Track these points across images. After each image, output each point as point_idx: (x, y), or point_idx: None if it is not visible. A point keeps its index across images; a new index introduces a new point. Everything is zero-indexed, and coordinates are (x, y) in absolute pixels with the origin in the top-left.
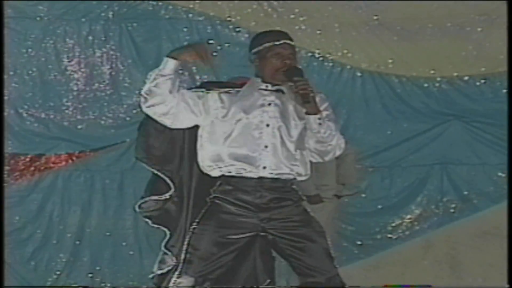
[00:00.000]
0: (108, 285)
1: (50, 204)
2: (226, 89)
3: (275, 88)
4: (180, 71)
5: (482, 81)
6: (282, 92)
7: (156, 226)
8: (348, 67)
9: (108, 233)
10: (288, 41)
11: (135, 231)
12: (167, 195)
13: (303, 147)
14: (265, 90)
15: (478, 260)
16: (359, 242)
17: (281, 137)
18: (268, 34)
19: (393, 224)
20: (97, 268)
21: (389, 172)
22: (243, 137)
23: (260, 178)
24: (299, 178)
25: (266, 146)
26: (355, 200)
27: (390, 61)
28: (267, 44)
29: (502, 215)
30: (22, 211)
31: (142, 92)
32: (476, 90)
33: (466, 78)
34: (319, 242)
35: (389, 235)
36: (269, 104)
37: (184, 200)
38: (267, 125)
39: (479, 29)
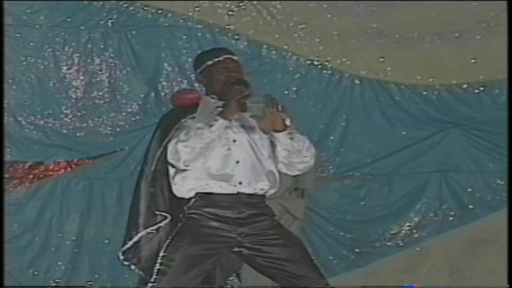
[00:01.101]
0: None
1: (49, 212)
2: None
3: None
4: None
5: (481, 88)
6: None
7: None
8: (347, 74)
9: (107, 241)
10: (229, 56)
11: None
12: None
13: (271, 160)
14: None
15: (477, 267)
16: (357, 250)
17: (251, 151)
18: (209, 52)
19: (392, 232)
20: (96, 275)
21: (388, 180)
22: (213, 155)
23: (238, 194)
24: (270, 191)
25: (237, 162)
26: (354, 208)
27: (389, 68)
28: (209, 62)
29: (501, 222)
30: (21, 218)
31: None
32: (475, 98)
33: (465, 85)
34: (299, 251)
35: (388, 243)
36: (230, 120)
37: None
38: (234, 141)
39: (478, 36)
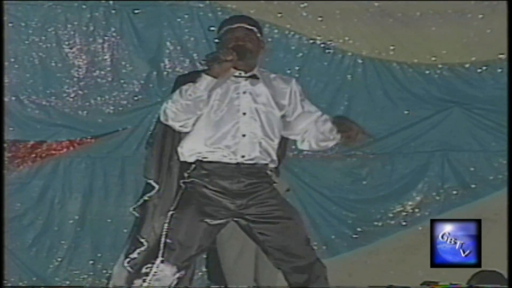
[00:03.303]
0: (110, 272)
1: (51, 191)
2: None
3: (248, 74)
4: None
5: (484, 67)
6: (256, 77)
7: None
8: (349, 53)
9: (109, 220)
10: (243, 25)
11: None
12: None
13: (277, 134)
14: (239, 77)
15: None
16: (360, 229)
17: (258, 126)
18: (226, 20)
19: (394, 211)
20: (98, 254)
21: (390, 159)
22: (221, 126)
23: (238, 164)
24: (271, 165)
25: (243, 135)
26: (356, 187)
27: (392, 48)
28: (224, 28)
29: (503, 201)
30: (23, 198)
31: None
32: (477, 77)
33: (467, 65)
34: (296, 224)
35: (390, 222)
36: (244, 92)
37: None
38: (244, 114)
39: (480, 15)
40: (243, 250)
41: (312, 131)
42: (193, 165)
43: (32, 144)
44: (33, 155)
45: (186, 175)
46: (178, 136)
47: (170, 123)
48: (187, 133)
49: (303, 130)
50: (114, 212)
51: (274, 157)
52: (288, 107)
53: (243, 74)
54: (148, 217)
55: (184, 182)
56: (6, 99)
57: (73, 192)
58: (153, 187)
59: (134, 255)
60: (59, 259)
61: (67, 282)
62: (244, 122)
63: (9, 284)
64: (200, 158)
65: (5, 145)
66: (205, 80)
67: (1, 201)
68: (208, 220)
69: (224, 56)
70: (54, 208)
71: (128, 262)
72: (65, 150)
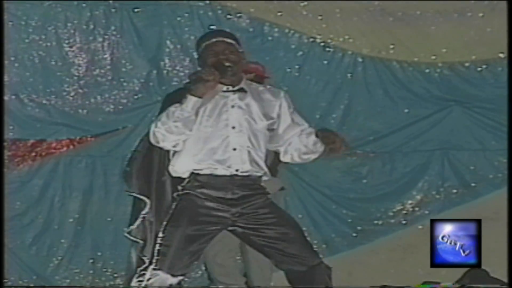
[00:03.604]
0: (110, 270)
1: (51, 190)
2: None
3: (236, 88)
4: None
5: (484, 66)
6: (244, 91)
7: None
8: (350, 52)
9: (109, 219)
10: (221, 38)
11: None
12: (145, 211)
13: (268, 146)
14: (227, 91)
15: None
16: (359, 228)
17: (247, 139)
18: (204, 36)
19: (394, 210)
20: (99, 253)
21: (390, 158)
22: (210, 141)
23: (232, 176)
24: (265, 178)
25: (234, 149)
26: (356, 186)
27: (392, 46)
28: (203, 45)
29: (503, 200)
30: (23, 196)
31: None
32: (478, 76)
33: (467, 63)
34: (293, 230)
35: (390, 221)
36: (233, 107)
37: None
38: (233, 127)
39: (480, 14)
40: (224, 245)
41: (295, 143)
42: (187, 179)
43: (32, 143)
44: (33, 154)
45: (180, 187)
46: (164, 151)
47: (161, 144)
48: (175, 152)
49: (287, 142)
50: (114, 211)
51: (265, 169)
52: (276, 119)
53: (230, 88)
54: (148, 236)
55: (178, 194)
56: (6, 97)
57: (73, 191)
58: (145, 203)
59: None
60: (59, 258)
61: (67, 281)
62: (234, 136)
63: (9, 283)
64: (193, 171)
65: (5, 144)
66: (191, 101)
67: (1, 200)
68: (202, 229)
69: (206, 76)
70: (54, 207)
71: (139, 282)
72: (65, 148)
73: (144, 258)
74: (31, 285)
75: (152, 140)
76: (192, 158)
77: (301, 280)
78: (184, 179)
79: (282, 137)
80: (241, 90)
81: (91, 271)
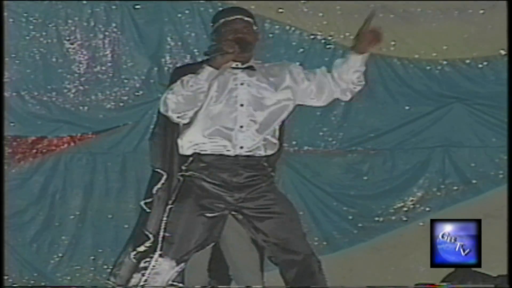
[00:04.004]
0: (111, 267)
1: (52, 187)
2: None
3: (245, 65)
4: None
5: (485, 63)
6: (253, 69)
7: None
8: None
9: (110, 216)
10: (241, 16)
11: (137, 214)
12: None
13: (276, 123)
14: (235, 68)
15: None
16: (360, 225)
17: (256, 116)
18: (222, 11)
19: (395, 207)
20: (100, 250)
21: (390, 155)
22: (219, 117)
23: (236, 156)
24: (270, 150)
25: (241, 126)
26: (357, 183)
27: (392, 43)
28: (220, 21)
29: (504, 197)
30: (24, 193)
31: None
32: (478, 73)
33: (468, 60)
34: (292, 219)
35: (391, 218)
36: (242, 84)
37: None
38: (241, 105)
39: (481, 11)
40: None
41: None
42: (191, 158)
43: (33, 140)
44: (34, 151)
45: (184, 168)
46: (178, 128)
47: (169, 114)
48: (186, 125)
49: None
50: (115, 208)
51: (275, 140)
52: (293, 85)
53: (240, 65)
54: (154, 210)
55: (182, 175)
56: (7, 94)
57: (74, 188)
58: (161, 176)
59: (141, 248)
60: (60, 255)
61: (68, 278)
62: (241, 113)
63: (10, 280)
64: (198, 151)
65: (5, 141)
66: (207, 71)
67: (1, 197)
68: (206, 214)
69: (227, 48)
70: (55, 204)
71: (135, 255)
72: (66, 145)
73: (147, 233)
74: (32, 282)
75: (162, 108)
76: (200, 132)
77: (293, 271)
78: (188, 157)
79: (320, 91)
80: (250, 68)
81: (92, 268)
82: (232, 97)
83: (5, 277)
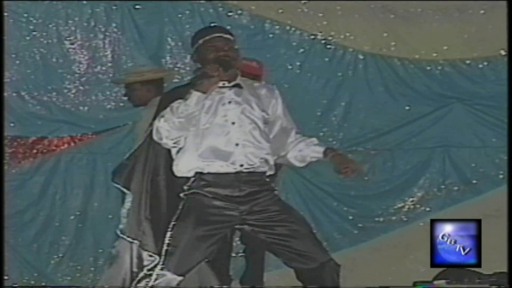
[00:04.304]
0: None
1: (52, 187)
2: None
3: (232, 83)
4: None
5: (485, 63)
6: (240, 86)
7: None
8: (351, 49)
9: (110, 216)
10: (220, 34)
11: None
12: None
13: (267, 140)
14: (222, 87)
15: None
16: (361, 225)
17: (249, 133)
18: (201, 31)
19: (395, 207)
20: (100, 250)
21: (391, 155)
22: (212, 138)
23: (237, 173)
24: (269, 172)
25: (237, 144)
26: (357, 183)
27: (393, 43)
28: (200, 41)
29: (504, 197)
30: (24, 194)
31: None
32: (479, 73)
33: (468, 61)
34: (302, 226)
35: (391, 218)
36: (230, 102)
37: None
38: (233, 123)
39: (481, 11)
40: None
41: (294, 151)
42: (193, 178)
43: (33, 140)
44: (34, 151)
45: (186, 187)
46: (161, 151)
47: (164, 141)
48: (179, 150)
49: (285, 149)
50: (115, 208)
51: (272, 162)
52: (272, 117)
53: (226, 84)
54: (148, 233)
55: (185, 194)
56: (7, 95)
57: (74, 188)
58: (127, 195)
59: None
60: (61, 255)
61: (69, 278)
62: (234, 131)
63: (10, 281)
64: (199, 171)
65: (6, 141)
66: (195, 97)
67: (1, 197)
68: (211, 229)
69: (211, 72)
70: (55, 204)
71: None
72: (66, 146)
73: (152, 255)
74: (32, 282)
75: (155, 137)
76: (196, 156)
77: (310, 277)
78: (188, 178)
79: (279, 141)
80: (237, 86)
81: (92, 268)
82: (221, 117)
83: (6, 277)
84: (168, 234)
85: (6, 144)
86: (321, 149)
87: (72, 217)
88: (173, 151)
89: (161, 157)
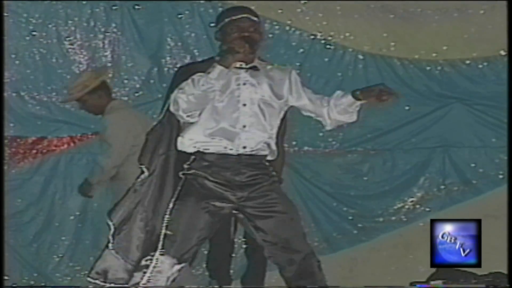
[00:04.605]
0: None
1: (52, 187)
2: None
3: (249, 65)
4: None
5: (485, 63)
6: (256, 68)
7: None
8: (350, 49)
9: None
10: (247, 15)
11: None
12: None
13: (275, 125)
14: (239, 68)
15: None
16: (360, 225)
17: (258, 116)
18: (229, 10)
19: (395, 207)
20: (99, 250)
21: (391, 155)
22: (221, 117)
23: (239, 155)
24: (270, 157)
25: (244, 126)
26: (357, 183)
27: (392, 43)
28: (226, 20)
29: (504, 197)
30: (24, 194)
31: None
32: (478, 73)
33: (468, 60)
34: (293, 219)
35: (391, 218)
36: (244, 84)
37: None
38: (244, 105)
39: (481, 11)
40: None
41: (327, 111)
42: (193, 157)
43: (33, 140)
44: (34, 151)
45: (186, 166)
46: (177, 127)
47: (180, 113)
48: (189, 123)
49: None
50: None
51: (274, 147)
52: (289, 96)
53: (243, 65)
54: (124, 201)
55: (184, 174)
56: (6, 95)
57: (74, 188)
58: (143, 172)
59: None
60: (60, 255)
61: (68, 278)
62: (244, 113)
63: (10, 280)
64: (200, 149)
65: (5, 141)
66: (218, 70)
67: (1, 197)
68: (208, 211)
69: (238, 48)
70: (55, 204)
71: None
72: (66, 146)
73: (109, 223)
74: (32, 282)
75: (172, 107)
76: (203, 131)
77: (292, 270)
78: (189, 154)
79: (309, 109)
80: (254, 68)
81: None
82: (235, 97)
83: (6, 277)
84: (167, 217)
85: (6, 144)
86: (349, 95)
87: (71, 217)
88: (184, 124)
89: (175, 132)
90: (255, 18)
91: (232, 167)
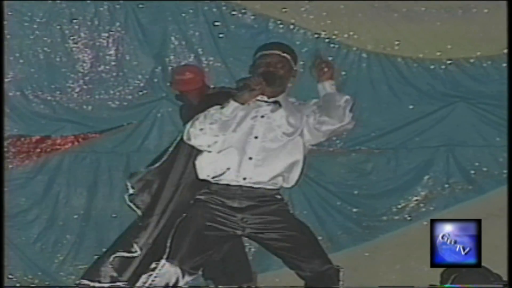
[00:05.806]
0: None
1: (56, 186)
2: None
3: (271, 100)
4: None
5: (488, 62)
6: (279, 104)
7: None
8: (354, 48)
9: (114, 215)
10: (278, 52)
11: None
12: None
13: (288, 160)
14: (261, 101)
15: (483, 242)
16: (364, 224)
17: (269, 151)
18: (264, 45)
19: (399, 206)
20: (103, 249)
21: (394, 154)
22: (234, 146)
23: (240, 186)
24: (285, 186)
25: (250, 158)
26: (361, 182)
27: (396, 42)
28: (259, 53)
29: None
30: (28, 192)
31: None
32: (482, 72)
33: (472, 59)
34: (303, 235)
35: (395, 217)
36: (262, 117)
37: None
38: (256, 137)
39: (485, 10)
40: None
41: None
42: (203, 189)
43: (36, 139)
44: (38, 150)
45: (196, 195)
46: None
47: (192, 142)
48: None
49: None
50: (119, 207)
51: (280, 183)
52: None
53: (265, 99)
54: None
55: (193, 199)
56: (11, 94)
57: (78, 187)
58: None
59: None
60: (64, 254)
61: (72, 277)
62: (253, 145)
63: (14, 279)
64: (208, 179)
65: (10, 140)
66: (232, 106)
67: (1, 197)
68: (213, 232)
69: (254, 85)
70: (59, 203)
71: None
72: (70, 145)
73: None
74: (36, 281)
75: (185, 137)
76: (211, 160)
77: (308, 282)
78: (200, 181)
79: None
80: (276, 102)
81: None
82: (249, 128)
83: (9, 276)
84: (172, 231)
85: (10, 143)
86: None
87: (75, 216)
88: (202, 153)
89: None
90: (286, 55)
91: (233, 196)
